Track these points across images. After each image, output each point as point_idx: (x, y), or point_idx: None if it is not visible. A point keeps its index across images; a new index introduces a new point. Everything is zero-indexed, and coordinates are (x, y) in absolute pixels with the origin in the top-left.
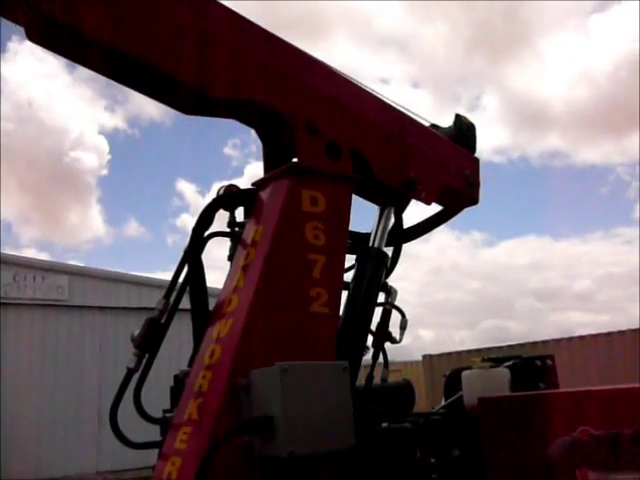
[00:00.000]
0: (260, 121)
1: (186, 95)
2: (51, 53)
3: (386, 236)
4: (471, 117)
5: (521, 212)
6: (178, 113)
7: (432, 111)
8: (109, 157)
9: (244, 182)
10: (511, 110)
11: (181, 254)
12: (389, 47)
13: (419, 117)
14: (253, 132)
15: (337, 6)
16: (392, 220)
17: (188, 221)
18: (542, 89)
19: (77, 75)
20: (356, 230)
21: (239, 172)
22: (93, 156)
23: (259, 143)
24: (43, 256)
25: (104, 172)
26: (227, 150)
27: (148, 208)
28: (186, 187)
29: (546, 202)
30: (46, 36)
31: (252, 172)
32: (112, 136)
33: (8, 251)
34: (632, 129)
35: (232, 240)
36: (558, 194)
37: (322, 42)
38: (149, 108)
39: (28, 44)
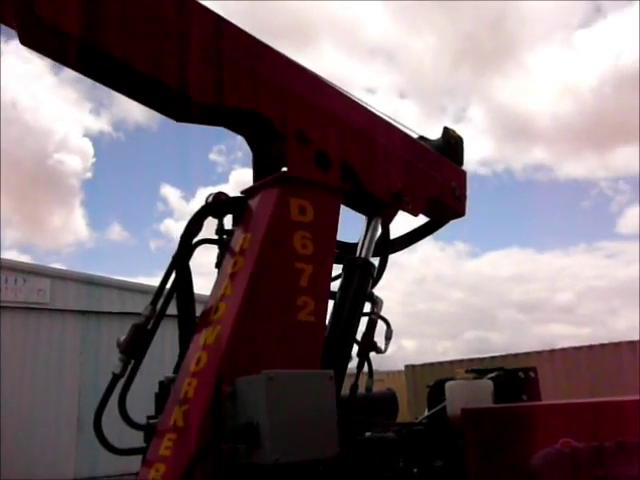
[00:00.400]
0: (250, 130)
1: (175, 101)
2: (43, 56)
3: (373, 246)
4: (457, 129)
5: (505, 224)
6: (164, 118)
7: (418, 122)
8: (94, 160)
9: (229, 189)
10: (496, 123)
11: (165, 259)
12: (377, 57)
13: (408, 129)
14: (239, 138)
15: (325, 15)
16: (379, 231)
17: (172, 226)
18: (527, 102)
19: (62, 76)
20: (343, 240)
21: (224, 178)
22: (77, 159)
23: (245, 149)
24: (24, 259)
25: (88, 175)
26: (212, 156)
27: (132, 212)
28: (170, 192)
29: (530, 215)
30: (39, 41)
31: (237, 178)
32: (97, 139)
33: None
34: (615, 144)
35: (220, 247)
36: (542, 207)
37: (310, 50)
38: (135, 112)
39: (13, 45)
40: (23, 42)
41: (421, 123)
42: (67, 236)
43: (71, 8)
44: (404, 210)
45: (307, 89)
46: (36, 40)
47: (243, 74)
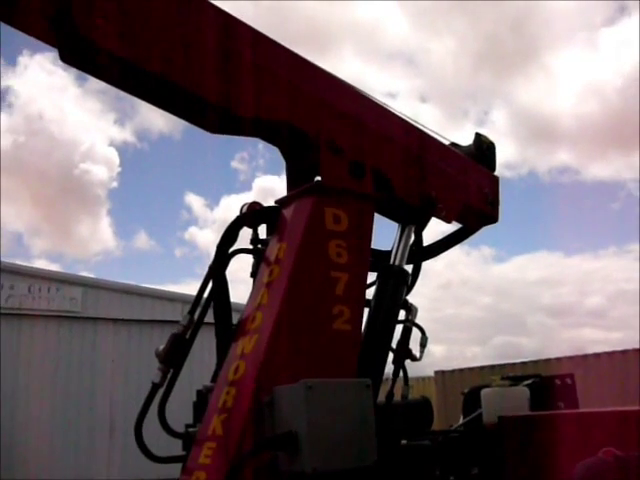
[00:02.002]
0: (284, 140)
1: (213, 114)
2: (83, 73)
3: (407, 254)
4: (479, 132)
5: (532, 228)
6: (186, 127)
7: (440, 126)
8: (119, 169)
9: (253, 196)
10: (519, 125)
11: (190, 267)
12: (396, 61)
13: (439, 135)
14: (260, 146)
15: (344, 20)
16: (412, 238)
17: (196, 234)
18: (550, 104)
19: (87, 88)
20: (377, 248)
21: (247, 186)
22: (103, 168)
23: (267, 157)
24: (54, 267)
25: (114, 184)
26: (235, 163)
27: (157, 221)
28: (195, 200)
29: (557, 218)
30: (79, 58)
31: (260, 185)
32: (122, 149)
33: (20, 262)
34: None
35: (255, 257)
36: (569, 210)
37: (330, 56)
38: (158, 121)
39: (38, 58)
40: (63, 59)
41: (443, 127)
42: (95, 245)
43: (110, 25)
44: (437, 217)
45: (340, 99)
46: (76, 57)
47: (279, 87)
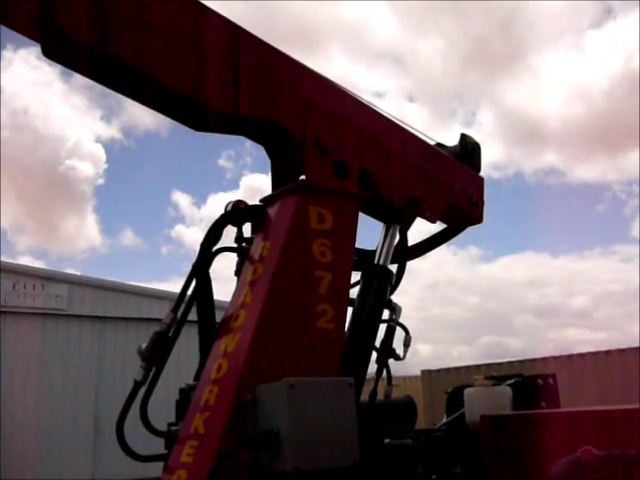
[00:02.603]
0: (269, 138)
1: (193, 110)
2: (64, 67)
3: (391, 253)
4: (467, 133)
5: (518, 228)
6: (173, 124)
7: (428, 126)
8: (106, 166)
9: (240, 194)
10: (506, 126)
11: (176, 265)
12: (384, 61)
13: (425, 135)
14: (247, 144)
15: (332, 19)
16: (397, 238)
17: (183, 232)
18: (537, 105)
19: (72, 83)
20: (362, 247)
21: (234, 184)
22: (89, 165)
23: (254, 155)
24: (39, 264)
25: (100, 181)
26: (221, 162)
27: (144, 218)
28: (181, 198)
29: (544, 219)
30: (63, 54)
31: (247, 184)
32: (108, 146)
33: (4, 259)
34: (628, 147)
35: (239, 255)
36: (555, 211)
37: (317, 55)
38: (145, 118)
39: (22, 52)
40: (45, 54)
41: (431, 127)
42: (80, 242)
43: (90, 20)
44: (422, 217)
45: (324, 97)
46: (57, 52)
47: (261, 83)
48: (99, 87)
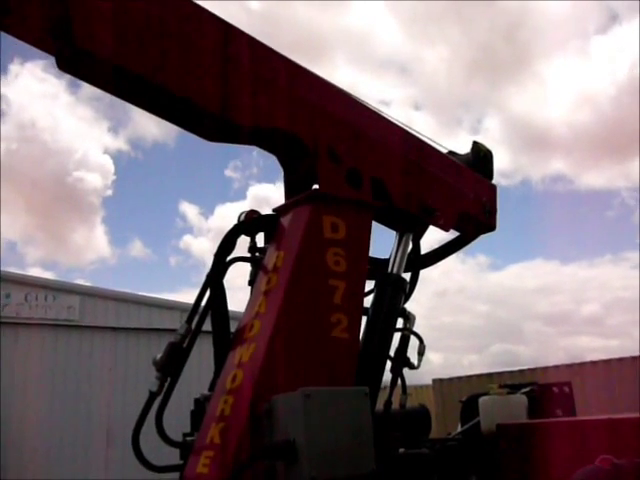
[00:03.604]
0: (282, 148)
1: (211, 123)
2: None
3: (405, 262)
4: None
5: (527, 236)
6: (180, 135)
7: (434, 134)
8: (114, 177)
9: (247, 204)
10: (513, 133)
11: (185, 275)
12: (390, 69)
13: (437, 144)
14: (254, 154)
15: (337, 28)
16: (410, 246)
17: (191, 242)
18: (544, 112)
19: (79, 95)
20: (375, 256)
21: (241, 194)
22: (97, 176)
23: (260, 165)
24: (48, 276)
25: (109, 192)
26: (228, 172)
27: (152, 229)
28: (189, 209)
29: (552, 226)
30: (77, 66)
31: (255, 194)
32: (116, 157)
33: (14, 270)
34: (635, 153)
35: (253, 265)
36: (564, 218)
37: (322, 64)
38: (152, 129)
39: (28, 66)
40: (60, 67)
41: (437, 135)
42: (90, 253)
43: (108, 35)
44: (435, 225)
45: (338, 107)
46: (73, 65)
47: (278, 95)
48: (106, 99)
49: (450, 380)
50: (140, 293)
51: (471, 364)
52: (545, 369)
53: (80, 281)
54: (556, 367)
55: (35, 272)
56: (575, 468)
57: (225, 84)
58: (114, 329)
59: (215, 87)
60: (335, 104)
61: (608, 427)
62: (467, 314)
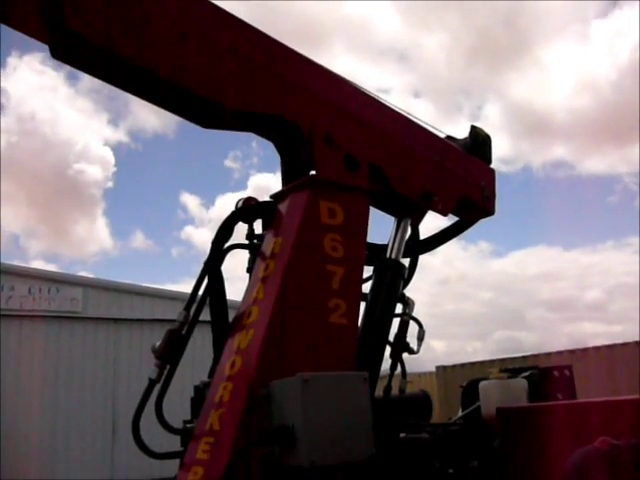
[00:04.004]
0: (279, 134)
1: (206, 109)
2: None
3: (403, 247)
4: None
5: (530, 222)
6: (179, 125)
7: (434, 120)
8: (114, 169)
9: (249, 194)
10: (513, 120)
11: (187, 266)
12: (389, 56)
13: (434, 129)
14: (254, 144)
15: (335, 16)
16: (409, 231)
17: (192, 233)
18: (544, 98)
19: (78, 87)
20: (373, 241)
21: (242, 184)
22: (98, 168)
23: (260, 155)
24: (51, 268)
25: (109, 184)
26: (228, 162)
27: (154, 220)
28: (190, 199)
29: (554, 212)
30: (71, 55)
31: (255, 183)
32: (116, 149)
33: (17, 263)
34: (637, 137)
35: (251, 252)
36: (566, 204)
37: (321, 53)
38: (152, 120)
39: (26, 58)
40: (54, 55)
41: (437, 122)
42: (91, 245)
43: (100, 21)
44: (434, 210)
45: (333, 92)
46: (66, 53)
47: (271, 80)
48: (105, 90)
49: (453, 367)
50: (142, 284)
51: (475, 351)
52: (548, 355)
53: (82, 273)
54: (559, 353)
55: (37, 265)
56: (575, 450)
57: (219, 70)
58: (117, 320)
59: (209, 72)
60: (331, 90)
61: (607, 409)
62: (470, 301)
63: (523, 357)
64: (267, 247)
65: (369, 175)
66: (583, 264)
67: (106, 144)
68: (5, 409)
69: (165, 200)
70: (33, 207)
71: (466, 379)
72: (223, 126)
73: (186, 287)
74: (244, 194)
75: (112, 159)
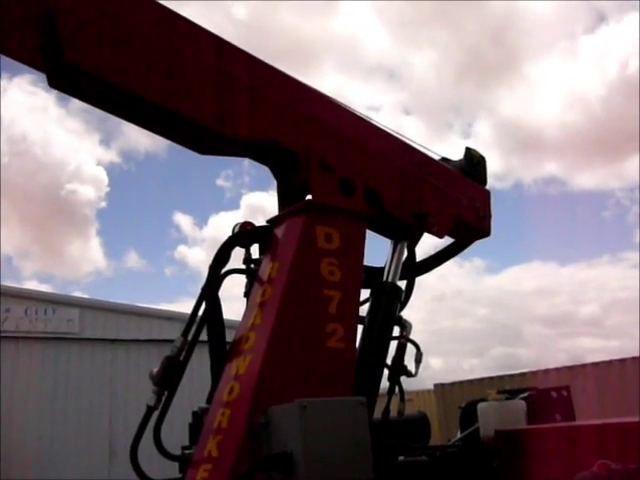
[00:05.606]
0: (274, 159)
1: (206, 137)
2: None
3: (400, 270)
4: (464, 144)
5: (524, 238)
6: (171, 146)
7: (425, 138)
8: (107, 189)
9: (241, 214)
10: (504, 136)
11: (180, 286)
12: (378, 75)
13: (429, 150)
14: (246, 163)
15: (324, 35)
16: (405, 254)
17: (186, 253)
18: (534, 114)
19: (69, 108)
20: (370, 264)
21: (234, 203)
22: (90, 189)
23: (252, 174)
24: (45, 289)
25: (103, 204)
26: (220, 181)
27: (147, 240)
28: (183, 219)
29: (549, 228)
30: (68, 84)
31: (248, 203)
32: (109, 169)
33: (10, 284)
34: (627, 152)
35: (248, 277)
36: (560, 220)
37: (311, 72)
38: (144, 141)
39: (16, 80)
40: (52, 85)
41: (427, 139)
42: (85, 265)
43: (100, 54)
44: (429, 232)
45: (328, 116)
46: (65, 83)
47: (269, 106)
48: (96, 111)
49: (452, 385)
50: (138, 304)
51: (472, 368)
52: (546, 372)
53: (77, 293)
54: (557, 369)
55: (31, 285)
56: (574, 474)
57: (221, 99)
58: (114, 341)
59: (211, 102)
60: (325, 113)
61: (608, 432)
62: (466, 318)
63: (521, 374)
64: (264, 272)
65: (365, 199)
66: (579, 279)
67: (99, 164)
68: (1, 431)
69: (158, 220)
70: (26, 228)
71: (465, 397)
72: (220, 152)
73: (182, 306)
74: (237, 213)
75: (105, 179)
